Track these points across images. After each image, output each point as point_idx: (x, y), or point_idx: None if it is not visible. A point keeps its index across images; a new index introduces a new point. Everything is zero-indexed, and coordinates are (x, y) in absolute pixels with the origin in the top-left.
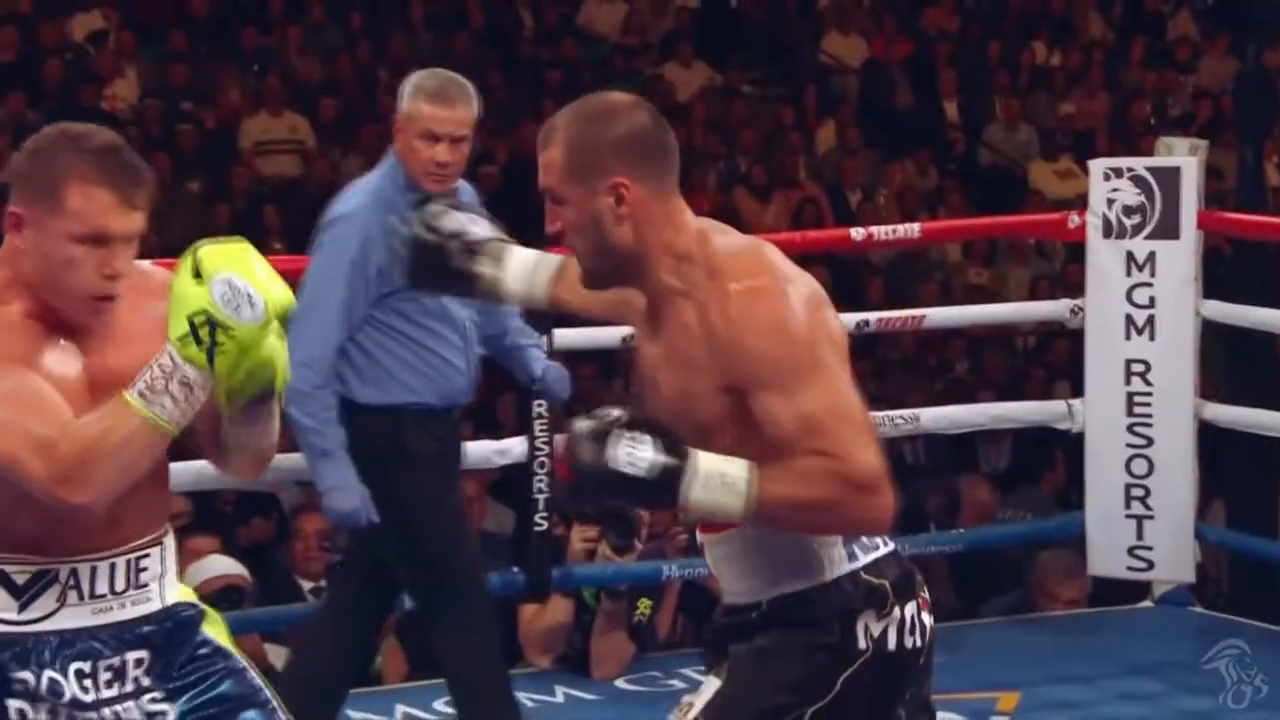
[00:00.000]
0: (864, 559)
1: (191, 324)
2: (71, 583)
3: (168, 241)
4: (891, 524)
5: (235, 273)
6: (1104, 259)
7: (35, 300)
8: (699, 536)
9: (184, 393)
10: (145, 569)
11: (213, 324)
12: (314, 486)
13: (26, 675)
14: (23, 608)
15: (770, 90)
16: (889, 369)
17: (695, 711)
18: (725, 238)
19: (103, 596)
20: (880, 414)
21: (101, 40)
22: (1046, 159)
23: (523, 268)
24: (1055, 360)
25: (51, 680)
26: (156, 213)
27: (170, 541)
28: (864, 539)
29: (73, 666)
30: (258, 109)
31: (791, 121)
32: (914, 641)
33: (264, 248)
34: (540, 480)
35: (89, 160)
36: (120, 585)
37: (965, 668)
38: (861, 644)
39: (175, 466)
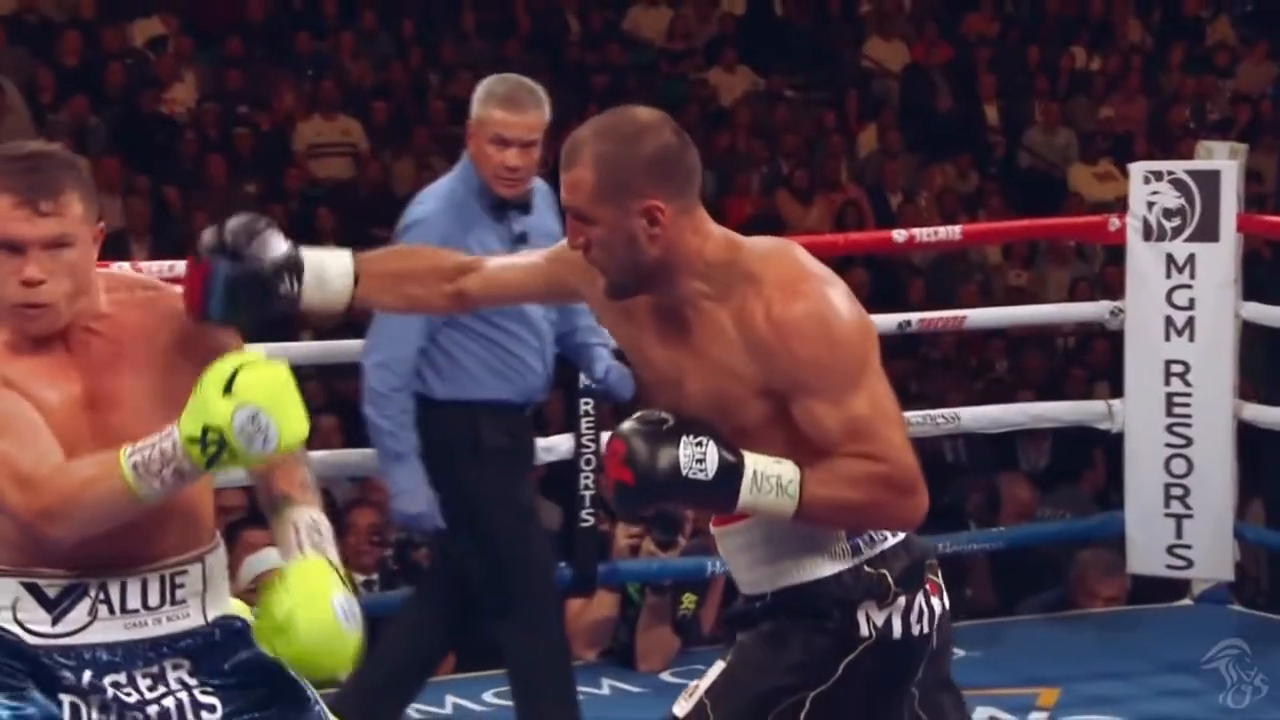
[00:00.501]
0: (867, 552)
1: (204, 433)
2: (101, 597)
3: None
4: (920, 520)
5: (264, 408)
6: (1144, 261)
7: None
8: (712, 529)
9: (175, 480)
10: (182, 585)
11: (222, 443)
12: (366, 481)
13: (70, 676)
14: (55, 620)
15: (813, 94)
16: (929, 368)
17: (700, 693)
18: (753, 241)
19: (135, 611)
20: (921, 413)
21: (161, 46)
22: (1086, 162)
23: (315, 280)
24: (1094, 360)
25: (93, 683)
26: (213, 213)
27: (215, 558)
28: (871, 532)
29: (108, 678)
30: (312, 113)
31: (833, 125)
32: (921, 628)
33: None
34: (586, 477)
35: None
36: (154, 600)
37: (1006, 663)
38: (864, 631)
39: None
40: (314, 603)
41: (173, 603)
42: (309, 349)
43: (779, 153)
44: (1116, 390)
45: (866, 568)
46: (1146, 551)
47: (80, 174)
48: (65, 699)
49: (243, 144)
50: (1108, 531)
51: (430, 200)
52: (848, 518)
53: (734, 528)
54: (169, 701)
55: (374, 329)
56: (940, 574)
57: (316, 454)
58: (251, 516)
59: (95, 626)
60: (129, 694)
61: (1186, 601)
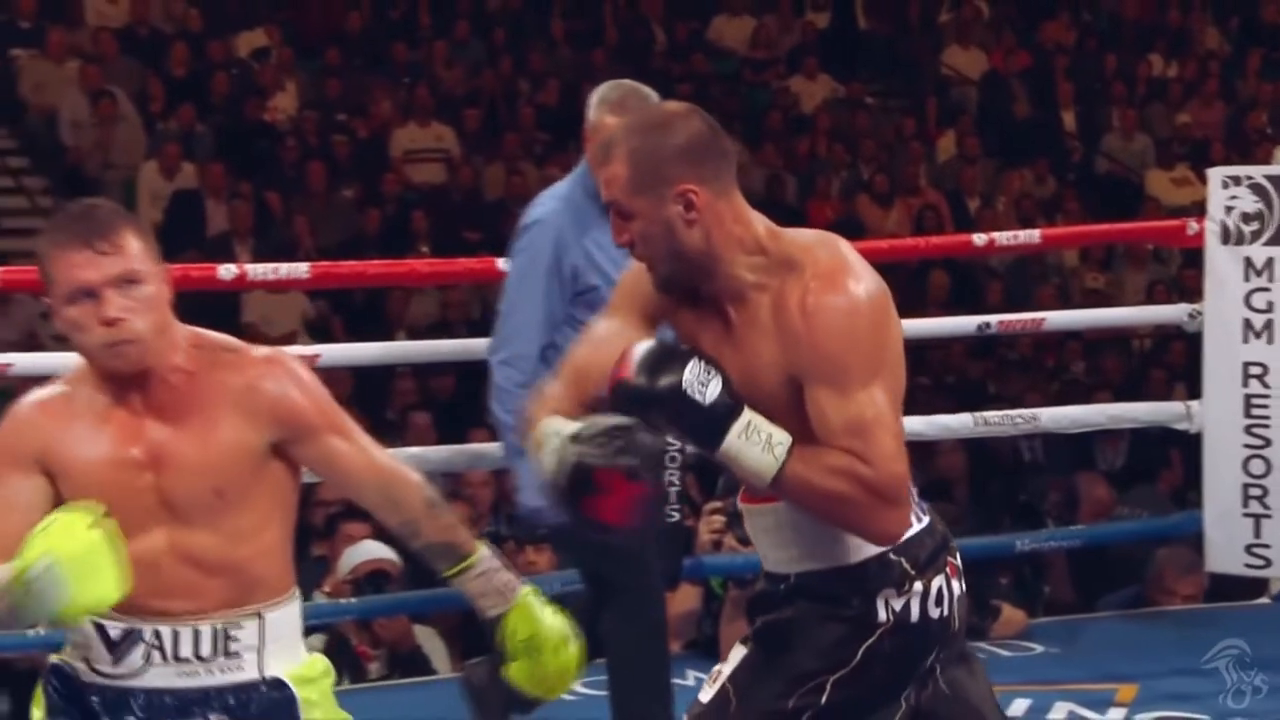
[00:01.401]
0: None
1: (17, 575)
2: (155, 643)
3: (323, 244)
4: (897, 538)
5: (61, 563)
6: (1222, 265)
7: (102, 381)
8: (739, 505)
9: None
10: (236, 639)
11: (27, 584)
12: (459, 477)
13: (125, 715)
14: (116, 661)
15: (892, 101)
16: (1007, 369)
17: (723, 679)
18: (796, 231)
19: (187, 660)
20: (1000, 413)
21: (264, 56)
22: (1162, 167)
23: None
24: (1171, 362)
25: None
26: (313, 217)
27: (279, 614)
28: None
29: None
30: (407, 120)
31: (913, 131)
32: (940, 612)
33: (412, 250)
34: (671, 474)
35: (51, 232)
36: (206, 651)
37: (1084, 659)
38: (882, 616)
39: None
40: (552, 634)
41: (226, 655)
42: (404, 348)
43: (859, 158)
44: (1194, 391)
45: (891, 554)
46: (1225, 550)
47: (131, 217)
48: None
49: (341, 150)
50: (1185, 530)
51: (549, 201)
52: (820, 504)
53: (763, 507)
54: None
55: (498, 328)
56: (960, 556)
57: (409, 450)
58: (349, 510)
59: (150, 671)
60: None
61: (1264, 600)
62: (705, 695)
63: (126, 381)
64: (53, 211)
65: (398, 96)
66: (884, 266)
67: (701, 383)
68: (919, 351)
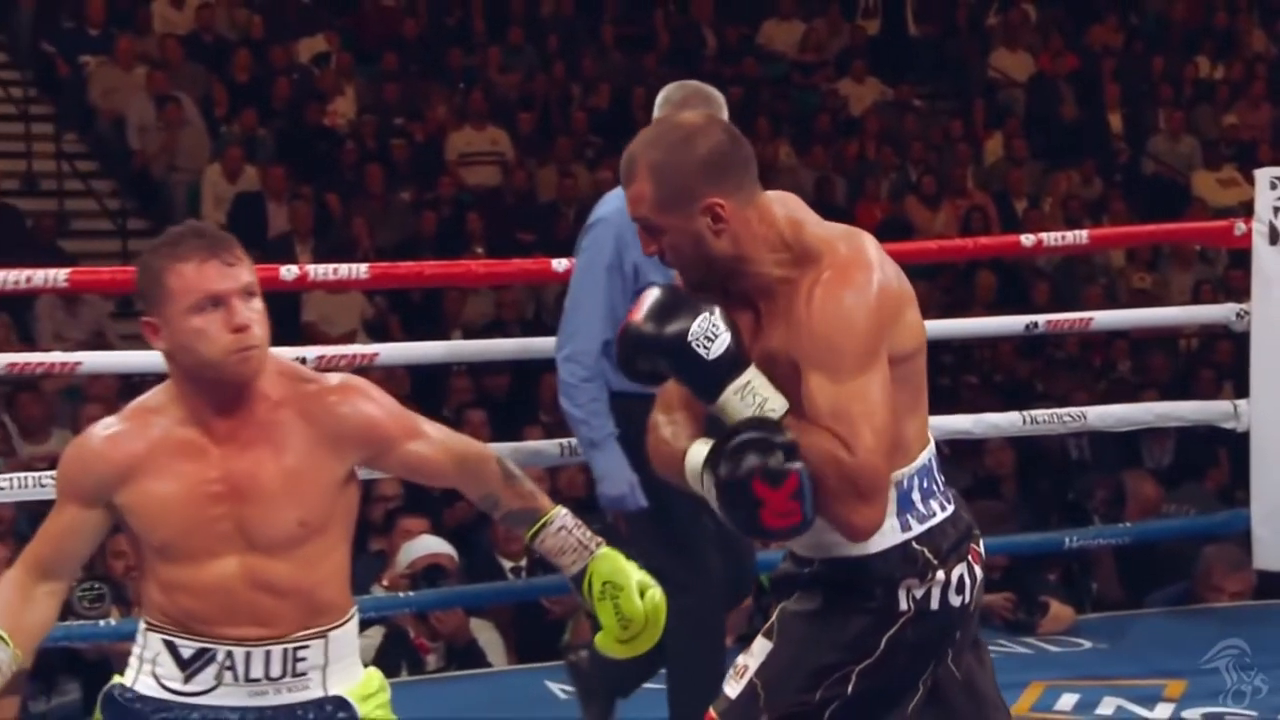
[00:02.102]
0: (917, 529)
1: None
2: (228, 664)
3: (381, 245)
4: (865, 534)
5: None
6: (1269, 264)
7: (187, 409)
8: None
9: None
10: (304, 659)
11: None
12: None
13: None
14: (187, 679)
15: (940, 104)
16: (1054, 368)
17: (750, 674)
18: (821, 224)
19: (258, 680)
20: (1048, 411)
21: (324, 61)
22: (1209, 168)
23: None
24: (1218, 361)
25: None
26: (371, 219)
27: (341, 634)
28: (920, 508)
29: None
30: (462, 123)
31: (960, 133)
32: (960, 600)
33: (466, 251)
34: None
35: (169, 247)
36: (276, 672)
37: (1132, 655)
38: (903, 606)
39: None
40: (633, 576)
41: (294, 675)
42: (459, 347)
43: (907, 160)
44: (1241, 390)
45: (914, 544)
46: (1272, 548)
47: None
48: None
49: (399, 153)
50: (1233, 528)
51: (612, 200)
52: None
53: None
54: None
55: (563, 324)
56: (982, 543)
57: None
58: (408, 504)
59: (220, 690)
60: None
61: None
62: (732, 690)
63: (216, 406)
64: (121, 214)
65: (453, 101)
66: (932, 267)
67: (708, 336)
68: (966, 350)
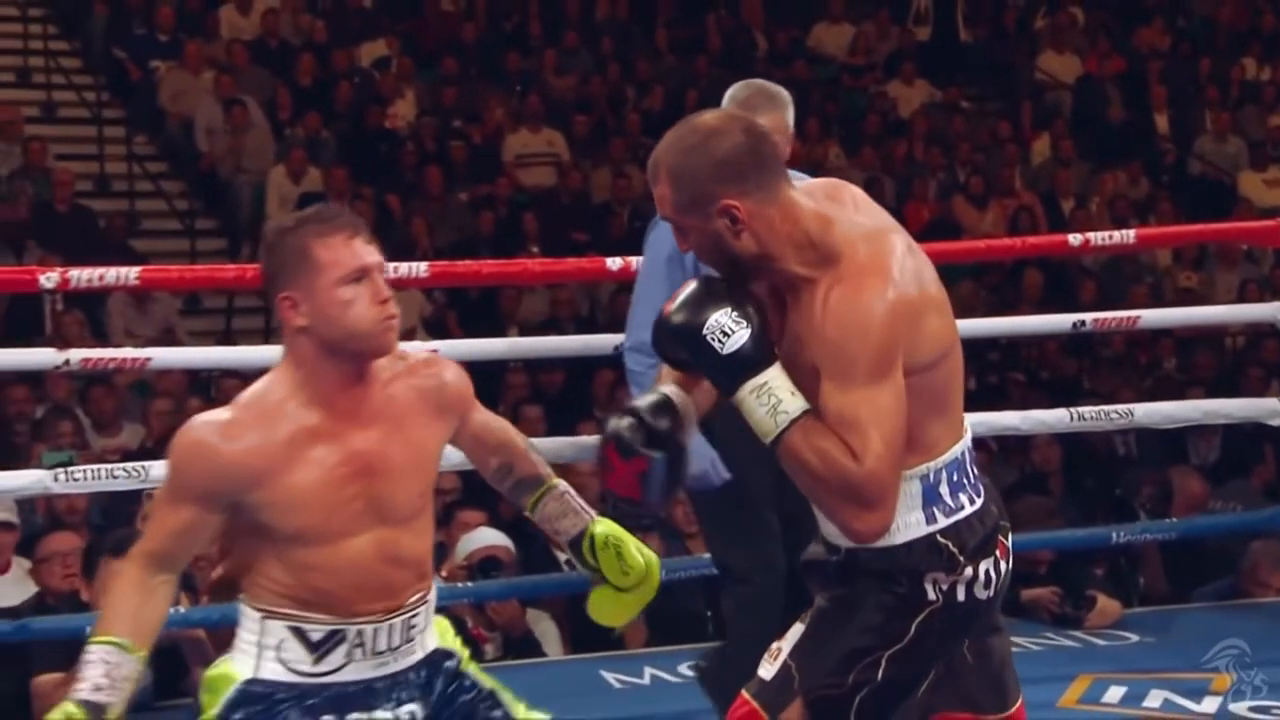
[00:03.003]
0: (943, 522)
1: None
2: (358, 641)
3: (439, 244)
4: (868, 539)
5: None
6: None
7: (310, 392)
8: None
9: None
10: (415, 625)
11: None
12: (568, 467)
13: (320, 711)
14: (316, 661)
15: (988, 106)
16: (1101, 366)
17: (784, 656)
18: (851, 222)
19: (382, 653)
20: (1095, 408)
21: (385, 66)
22: (1255, 169)
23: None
24: (1265, 359)
25: (338, 716)
26: (430, 219)
27: (433, 595)
28: (948, 501)
29: (351, 716)
30: (519, 125)
31: (1008, 134)
32: (987, 594)
33: (522, 250)
34: None
35: (313, 224)
36: (396, 642)
37: (1179, 649)
38: (931, 596)
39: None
40: (633, 542)
41: (407, 641)
42: (516, 344)
43: (955, 161)
44: None
45: (940, 538)
46: None
47: None
48: None
49: (457, 155)
50: (1278, 524)
51: None
52: (804, 481)
53: None
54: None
55: (629, 318)
56: (1010, 536)
57: None
58: (465, 497)
59: (349, 668)
60: None
61: None
62: (766, 672)
63: (341, 384)
64: (189, 214)
65: (510, 104)
66: (980, 266)
67: (725, 331)
68: (1013, 348)
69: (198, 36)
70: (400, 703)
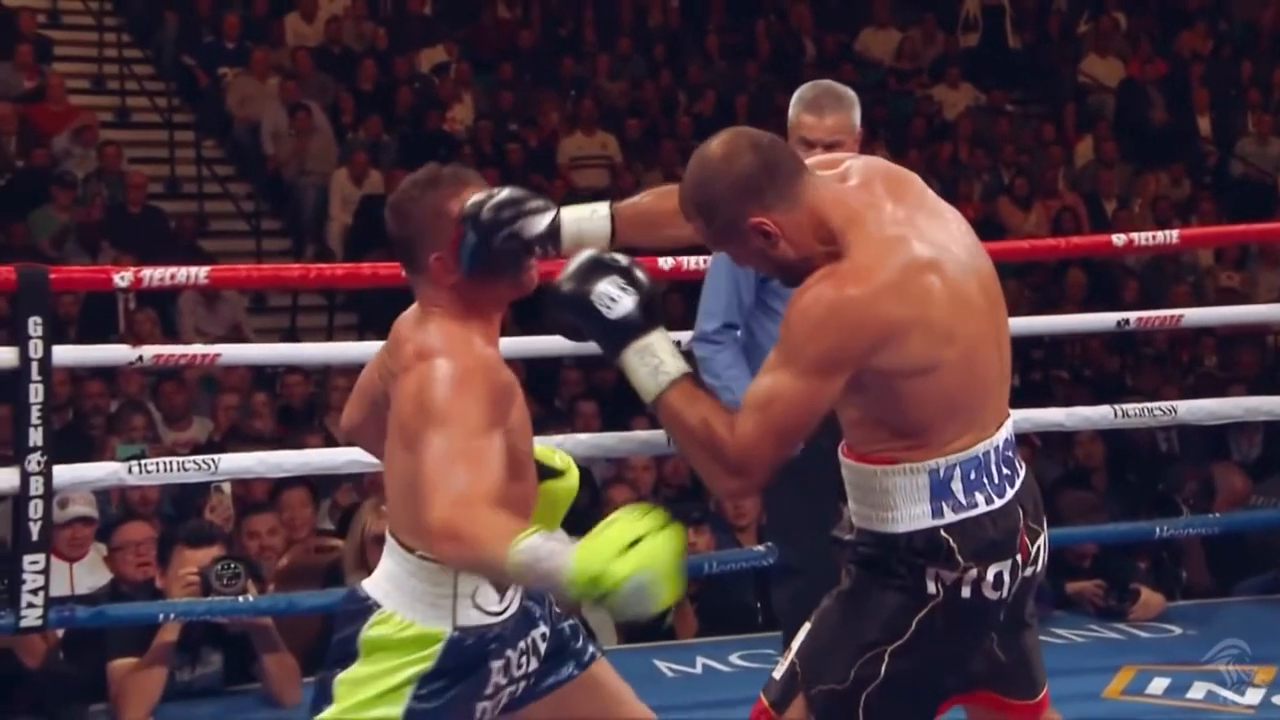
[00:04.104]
0: (949, 518)
1: (593, 582)
2: None
3: None
4: (727, 499)
5: (656, 579)
6: None
7: (482, 338)
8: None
9: (537, 584)
10: None
11: (603, 598)
12: (622, 462)
13: (501, 645)
14: (502, 599)
15: (1032, 109)
16: (1143, 364)
17: (792, 654)
18: (882, 224)
19: (511, 585)
20: (1139, 405)
21: (444, 71)
22: None
23: (573, 242)
24: None
25: (507, 659)
26: None
27: None
28: (959, 498)
29: (520, 644)
30: (573, 129)
31: (1052, 137)
32: (998, 595)
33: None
34: None
35: (446, 185)
36: None
37: (1222, 642)
38: (931, 590)
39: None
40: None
41: None
42: (570, 342)
43: (1000, 163)
44: None
45: (943, 532)
46: None
47: None
48: (494, 664)
49: (514, 157)
50: None
51: None
52: (681, 440)
53: (845, 461)
54: (538, 644)
55: (699, 310)
56: (1043, 539)
57: (577, 436)
58: None
59: (515, 603)
60: (524, 662)
61: None
62: (777, 672)
63: (492, 333)
64: (255, 215)
65: (565, 108)
66: (1025, 265)
67: (611, 298)
68: (1057, 346)
69: (264, 44)
70: (535, 624)
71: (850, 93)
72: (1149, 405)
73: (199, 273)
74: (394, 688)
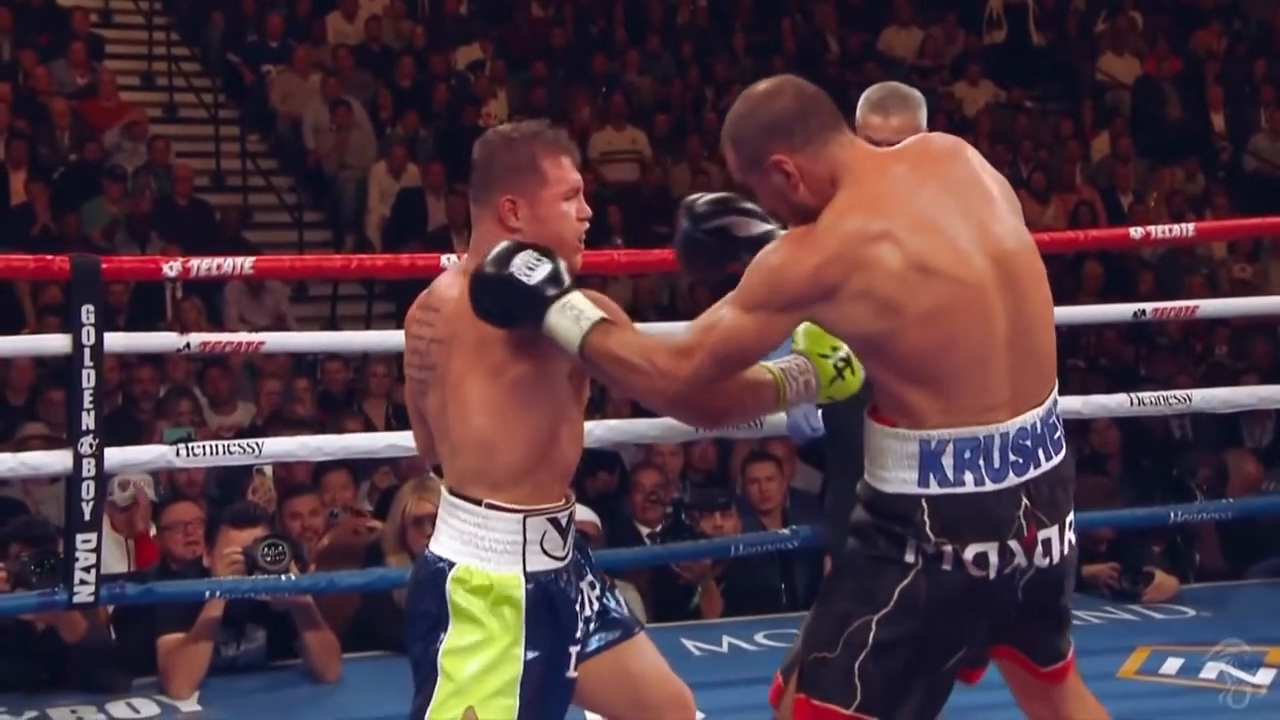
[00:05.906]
0: (933, 490)
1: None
2: (566, 521)
3: None
4: (666, 399)
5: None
6: None
7: None
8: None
9: (803, 393)
10: None
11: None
12: (651, 447)
13: (567, 586)
14: (564, 544)
15: (1050, 105)
16: (1157, 353)
17: (798, 639)
18: (859, 193)
19: (569, 531)
20: (1154, 393)
21: (479, 69)
22: None
23: None
24: None
25: (581, 595)
26: None
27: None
28: (948, 474)
29: (580, 585)
30: (604, 124)
31: (1069, 133)
32: (983, 574)
33: (606, 242)
34: None
35: (549, 139)
36: (564, 522)
37: (1235, 623)
38: (909, 558)
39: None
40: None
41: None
42: None
43: (1019, 157)
44: None
45: (923, 502)
46: None
47: None
48: (575, 603)
49: None
50: None
51: None
52: (612, 371)
53: (867, 422)
54: (591, 593)
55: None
56: (1047, 530)
57: (608, 422)
58: None
59: (571, 550)
60: (585, 596)
61: None
62: (793, 647)
63: None
64: (297, 208)
65: (596, 103)
66: (1043, 257)
67: (529, 267)
68: (1073, 336)
69: (306, 42)
70: (584, 573)
71: (916, 94)
72: (1165, 393)
73: (245, 263)
74: (505, 650)
